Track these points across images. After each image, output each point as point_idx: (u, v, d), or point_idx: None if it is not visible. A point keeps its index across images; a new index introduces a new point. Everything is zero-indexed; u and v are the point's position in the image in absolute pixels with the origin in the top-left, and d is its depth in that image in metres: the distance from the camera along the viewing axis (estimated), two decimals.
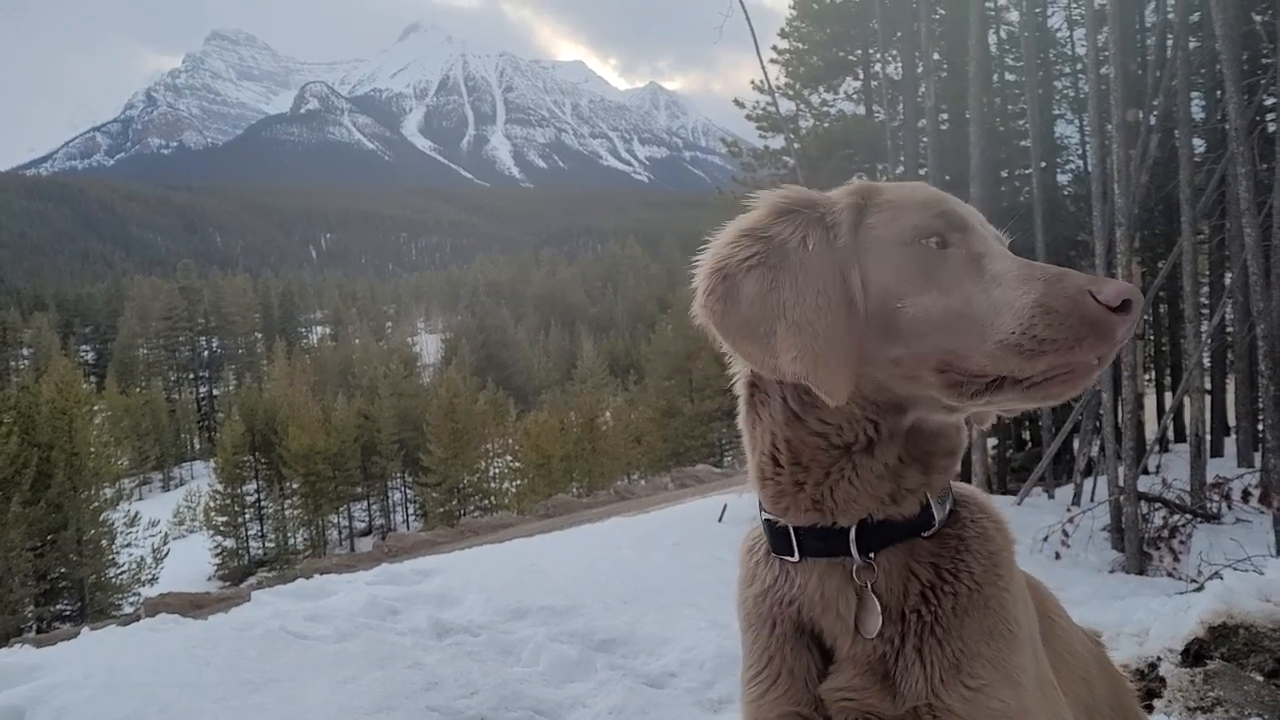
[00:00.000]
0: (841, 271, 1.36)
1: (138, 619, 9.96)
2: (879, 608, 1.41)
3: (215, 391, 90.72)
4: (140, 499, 57.43)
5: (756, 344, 1.36)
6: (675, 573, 9.79)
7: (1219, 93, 16.53)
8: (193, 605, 13.35)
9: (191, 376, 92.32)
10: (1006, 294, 1.29)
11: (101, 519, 35.74)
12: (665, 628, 6.97)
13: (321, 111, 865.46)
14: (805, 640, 1.46)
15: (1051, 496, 16.96)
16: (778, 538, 1.49)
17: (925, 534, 1.45)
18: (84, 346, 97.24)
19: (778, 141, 23.91)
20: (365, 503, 56.06)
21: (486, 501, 48.11)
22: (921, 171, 17.19)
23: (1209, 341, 19.33)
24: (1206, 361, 20.19)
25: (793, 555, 1.47)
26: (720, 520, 12.99)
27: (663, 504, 18.09)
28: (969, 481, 14.45)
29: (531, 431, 47.28)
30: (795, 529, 1.45)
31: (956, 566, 1.45)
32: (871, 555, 1.42)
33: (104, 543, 35.46)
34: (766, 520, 1.50)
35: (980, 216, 1.46)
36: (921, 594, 1.42)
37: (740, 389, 1.52)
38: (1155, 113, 15.28)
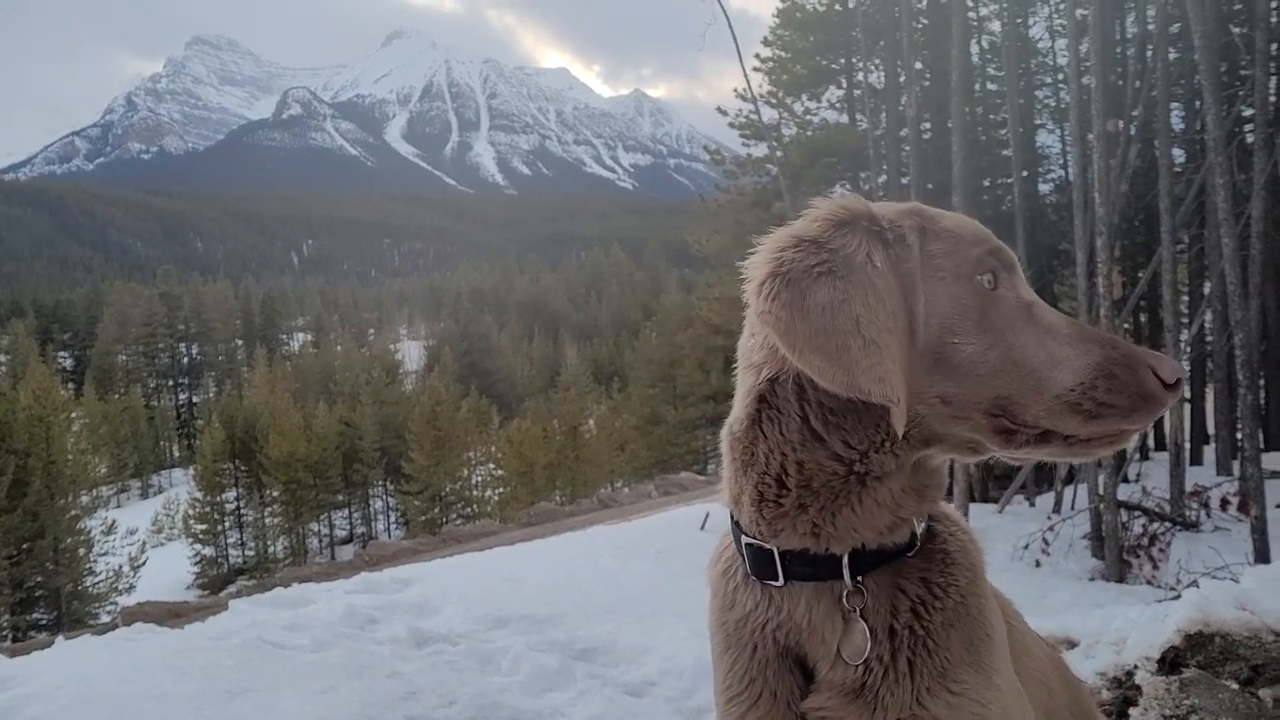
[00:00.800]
0: (906, 296, 1.33)
1: (114, 628, 9.87)
2: (867, 634, 1.39)
3: (195, 398, 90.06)
4: (118, 507, 57.10)
5: (826, 358, 1.27)
6: (657, 581, 9.77)
7: (1198, 103, 16.69)
8: (171, 614, 13.23)
9: (171, 383, 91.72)
10: (1063, 350, 1.31)
11: (79, 527, 35.45)
12: (646, 636, 6.95)
13: (304, 117, 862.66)
14: (788, 663, 1.45)
15: (1033, 504, 17.03)
16: (761, 561, 1.44)
17: (910, 554, 1.44)
18: (62, 353, 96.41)
19: (761, 149, 24.00)
20: (346, 511, 55.78)
21: (469, 509, 47.99)
22: (904, 180, 17.27)
23: (1188, 350, 19.47)
24: (1186, 370, 20.33)
25: (777, 580, 1.43)
26: (703, 528, 12.97)
27: (646, 512, 18.05)
28: (951, 490, 14.48)
29: (514, 439, 47.19)
30: (781, 553, 1.42)
31: (947, 580, 1.45)
32: (859, 579, 1.41)
33: (81, 551, 35.16)
34: (749, 545, 1.45)
35: None
36: (912, 609, 1.42)
37: (742, 402, 1.44)
38: (1135, 123, 15.39)
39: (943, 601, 1.43)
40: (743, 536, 1.47)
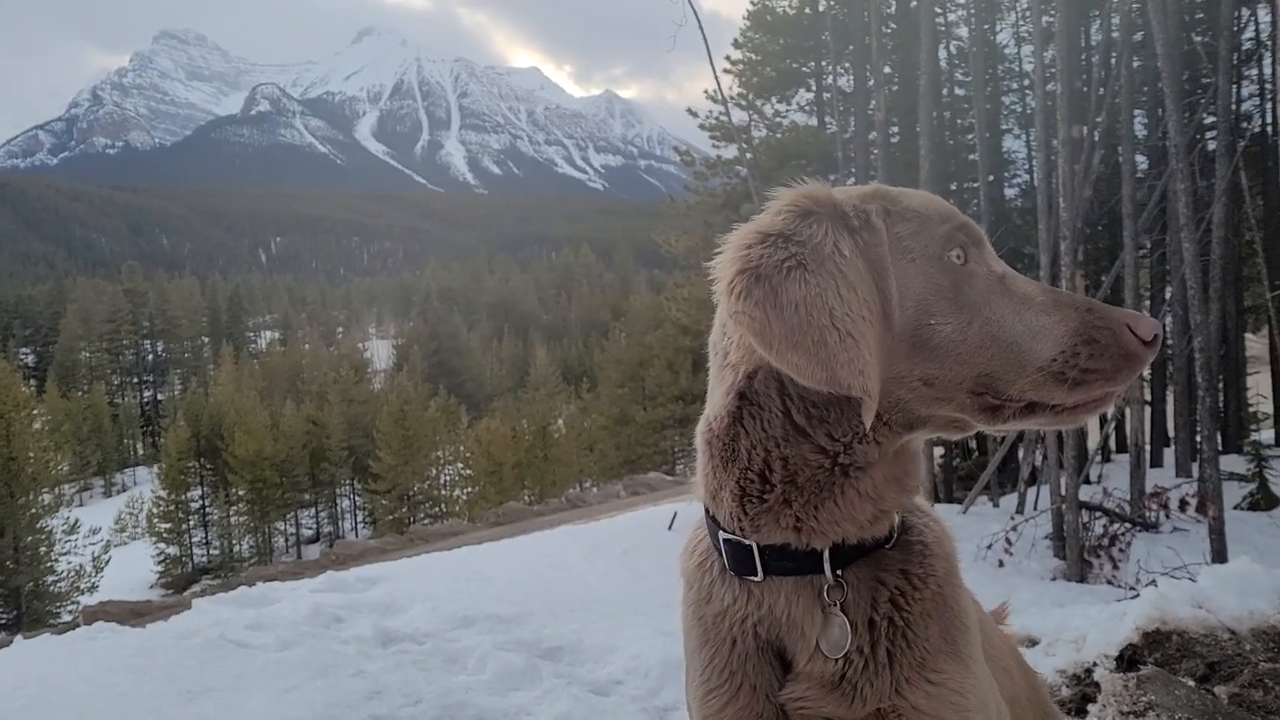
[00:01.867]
0: (878, 282, 1.31)
1: (75, 627, 9.73)
2: (847, 628, 1.39)
3: (160, 396, 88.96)
4: (81, 505, 56.31)
5: (805, 354, 1.25)
6: (624, 581, 9.77)
7: (1160, 110, 16.89)
8: (133, 614, 13.08)
9: (135, 380, 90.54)
10: (1040, 319, 1.31)
11: (40, 526, 34.97)
12: (612, 635, 6.95)
13: (273, 113, 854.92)
14: (768, 657, 1.44)
15: (996, 505, 17.19)
16: (740, 557, 1.43)
17: (888, 545, 1.44)
18: (24, 349, 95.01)
19: (731, 151, 24.05)
20: (313, 510, 55.34)
21: (437, 509, 47.78)
22: (872, 183, 17.35)
23: None
24: (1147, 373, 20.60)
25: (756, 575, 1.42)
26: (670, 528, 12.99)
27: (614, 512, 18.04)
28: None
29: (483, 439, 47.00)
30: (760, 548, 1.40)
31: (925, 571, 1.45)
32: (839, 573, 1.40)
33: (42, 550, 34.69)
34: (728, 540, 1.43)
35: None
36: (891, 600, 1.42)
37: (721, 400, 1.42)
38: (1099, 129, 15.59)
39: (922, 592, 1.43)
40: (720, 532, 1.45)
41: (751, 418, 1.38)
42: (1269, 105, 20.43)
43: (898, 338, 1.31)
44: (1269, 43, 18.36)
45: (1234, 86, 19.27)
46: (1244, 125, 20.85)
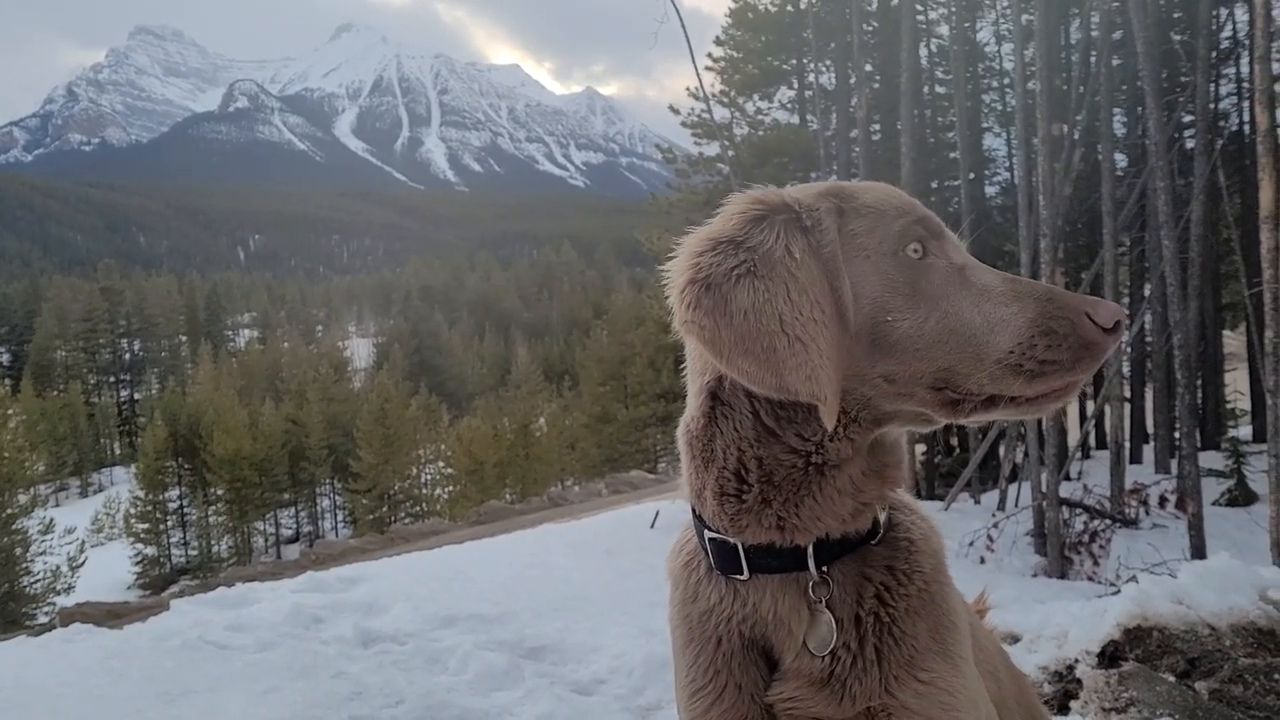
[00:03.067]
0: (831, 282, 1.30)
1: (51, 629, 9.64)
2: (833, 625, 1.38)
3: (137, 395, 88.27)
4: (57, 505, 55.80)
5: (754, 361, 1.26)
6: (606, 580, 9.76)
7: (1140, 109, 17.03)
8: (110, 615, 12.98)
9: (112, 380, 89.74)
10: (999, 310, 1.28)
11: (15, 526, 34.65)
12: (595, 635, 6.93)
13: (251, 110, 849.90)
14: (754, 656, 1.43)
15: (978, 502, 17.28)
16: (725, 556, 1.42)
17: (874, 541, 1.43)
18: None
19: (713, 149, 24.08)
20: (293, 509, 55.05)
21: (418, 508, 47.61)
22: (854, 180, 17.40)
23: (1129, 351, 19.87)
24: (1126, 370, 20.76)
25: (742, 574, 1.41)
26: (652, 527, 12.98)
27: (596, 510, 18.03)
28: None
29: (464, 437, 46.89)
30: (745, 547, 1.39)
31: (910, 567, 1.44)
32: (825, 569, 1.39)
33: (17, 551, 34.38)
34: (714, 539, 1.43)
35: None
36: (877, 596, 1.41)
37: (695, 400, 1.42)
38: (1079, 127, 15.69)
39: (907, 588, 1.42)
40: (706, 531, 1.44)
41: (725, 418, 1.38)
42: (1246, 104, 20.59)
43: (856, 336, 1.30)
44: (1246, 42, 18.50)
45: (1212, 85, 19.41)
46: (1222, 124, 21.04)
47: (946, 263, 1.35)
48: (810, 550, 1.38)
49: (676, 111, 24.11)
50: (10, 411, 42.34)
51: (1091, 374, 1.30)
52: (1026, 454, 15.45)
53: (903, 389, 1.31)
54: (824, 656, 1.38)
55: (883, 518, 1.44)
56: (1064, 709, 3.84)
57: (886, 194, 1.41)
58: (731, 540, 1.40)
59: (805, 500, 1.35)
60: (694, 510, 1.47)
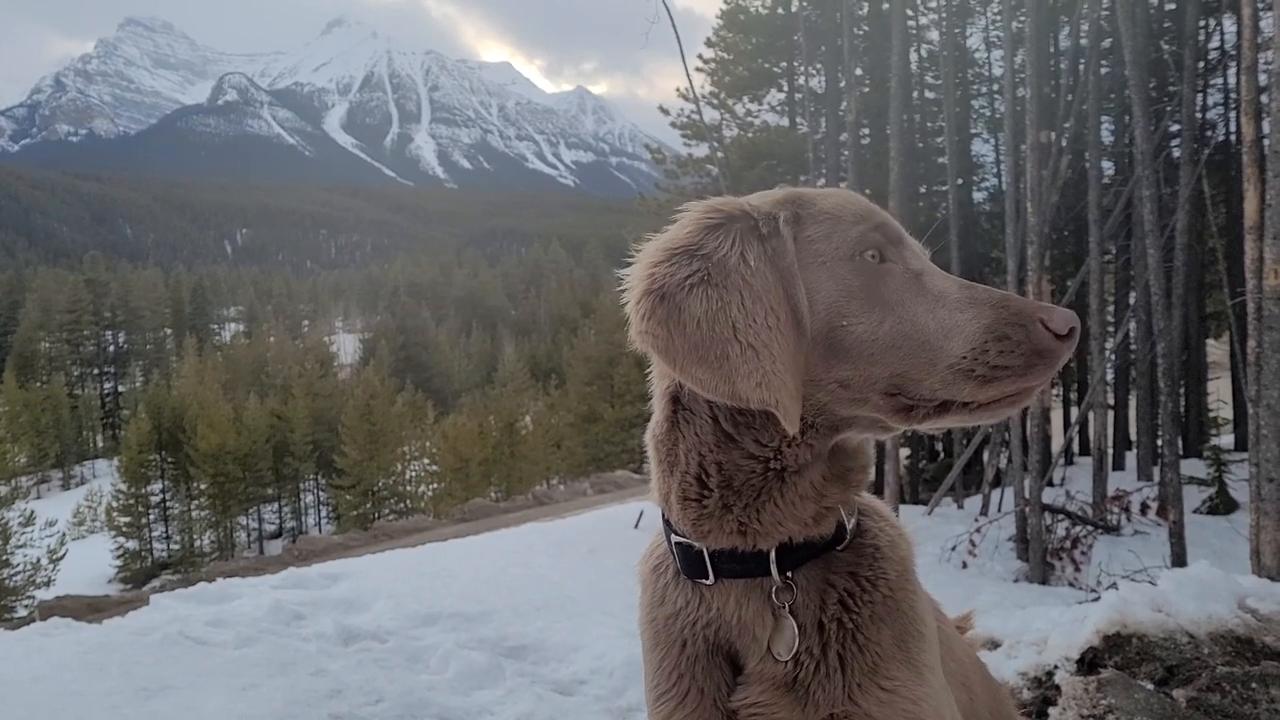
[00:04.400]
0: (786, 288, 1.31)
1: (30, 623, 9.57)
2: (796, 630, 1.38)
3: (121, 388, 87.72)
4: (38, 498, 55.38)
5: (708, 369, 1.27)
6: (589, 579, 9.76)
7: (1127, 118, 17.10)
8: (90, 609, 12.94)
9: (96, 372, 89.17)
10: (954, 316, 1.29)
11: None
12: (577, 635, 6.93)
13: (240, 103, 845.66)
14: (718, 659, 1.43)
15: (961, 507, 17.34)
16: (691, 560, 1.43)
17: (839, 547, 1.44)
18: None
19: (702, 149, 24.12)
20: (276, 505, 54.75)
21: (402, 505, 47.47)
22: (842, 184, 17.46)
23: (1113, 358, 19.97)
24: (1110, 377, 20.86)
25: (707, 578, 1.42)
26: (636, 527, 13.00)
27: (580, 510, 18.04)
28: (882, 492, 14.70)
29: (450, 435, 46.77)
30: (710, 551, 1.40)
31: (875, 574, 1.44)
32: (789, 575, 1.40)
33: None
34: (679, 543, 1.44)
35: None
36: (840, 602, 1.41)
37: (659, 405, 1.44)
38: (1067, 135, 15.76)
39: (870, 595, 1.42)
40: (673, 535, 1.46)
41: (686, 424, 1.39)
42: (1233, 114, 20.72)
43: (812, 342, 1.31)
44: (1234, 53, 18.61)
45: (1199, 95, 19.54)
46: (1208, 134, 21.16)
47: (903, 268, 1.35)
48: (773, 555, 1.38)
49: (666, 112, 24.14)
50: None
51: (1046, 380, 1.29)
52: (1010, 460, 15.51)
53: (857, 394, 1.31)
54: (787, 662, 1.38)
55: (850, 523, 1.45)
56: (1042, 715, 3.85)
57: (845, 200, 1.42)
58: (696, 545, 1.41)
59: (766, 505, 1.36)
60: (664, 515, 1.48)
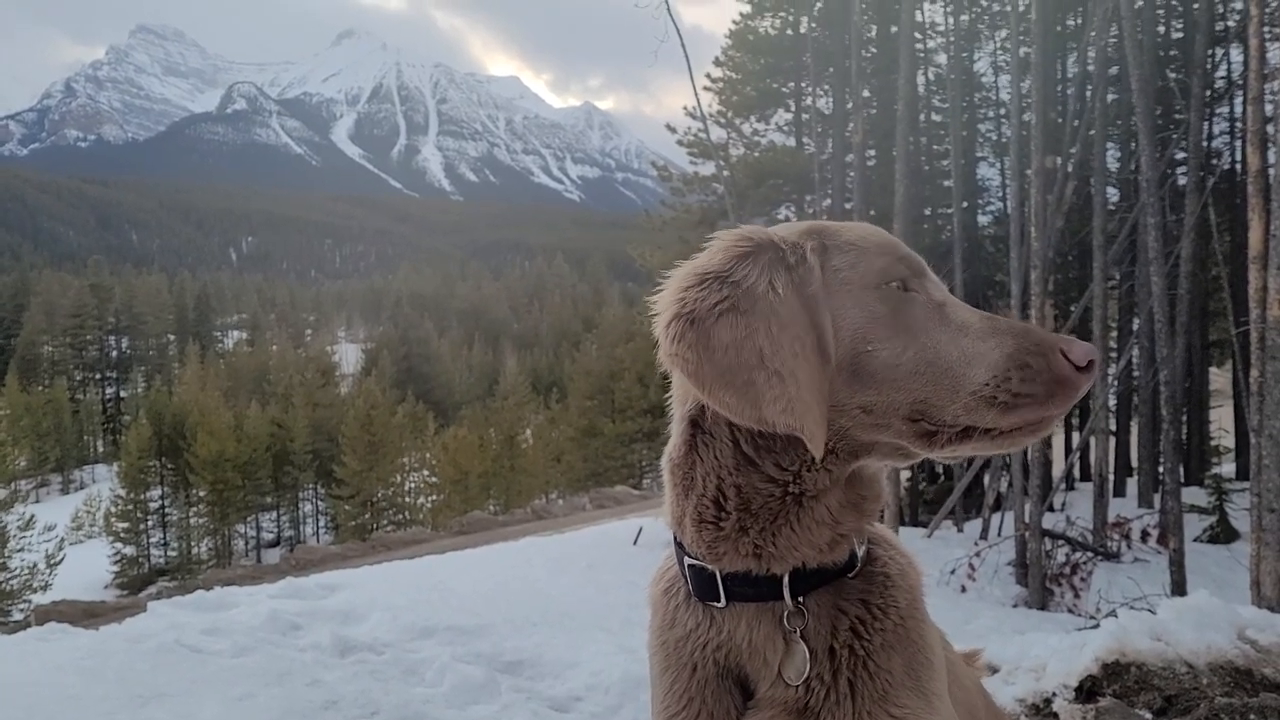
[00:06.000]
0: (813, 317, 1.33)
1: (26, 627, 9.55)
2: (807, 655, 1.39)
3: (122, 393, 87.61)
4: (37, 501, 55.41)
5: (735, 394, 1.30)
6: (587, 595, 9.73)
7: (1133, 145, 17.14)
8: (87, 614, 12.89)
9: (98, 377, 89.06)
10: (977, 345, 1.31)
11: None
12: (573, 650, 6.91)
13: (249, 112, 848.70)
14: (728, 684, 1.44)
15: (960, 530, 17.30)
16: (703, 583, 1.44)
17: (851, 575, 1.45)
18: None
19: (708, 168, 24.16)
20: (275, 513, 54.64)
21: (400, 516, 47.42)
22: (848, 205, 17.50)
23: (1115, 385, 19.95)
24: (1112, 404, 20.84)
25: (719, 601, 1.43)
26: (635, 543, 12.97)
27: (579, 525, 18.00)
28: (881, 514, 14.68)
29: (450, 447, 46.74)
30: (722, 574, 1.42)
31: (886, 602, 1.45)
32: (801, 600, 1.41)
33: None
34: (692, 566, 1.45)
35: None
36: (851, 629, 1.42)
37: (677, 429, 1.46)
38: (1073, 160, 15.78)
39: (882, 623, 1.43)
40: (685, 557, 1.47)
41: (705, 446, 1.41)
42: (1239, 143, 20.77)
43: (838, 369, 1.33)
44: (1240, 82, 18.68)
45: (1205, 124, 19.60)
46: (1214, 162, 21.21)
47: (926, 298, 1.38)
48: (786, 580, 1.39)
49: (673, 130, 24.20)
50: None
51: (1066, 410, 1.32)
52: (1010, 484, 15.48)
53: (879, 419, 1.33)
54: (798, 687, 1.39)
55: (861, 551, 1.46)
56: None
57: (869, 232, 1.45)
58: (709, 567, 1.42)
59: (782, 529, 1.37)
60: (675, 537, 1.49)
